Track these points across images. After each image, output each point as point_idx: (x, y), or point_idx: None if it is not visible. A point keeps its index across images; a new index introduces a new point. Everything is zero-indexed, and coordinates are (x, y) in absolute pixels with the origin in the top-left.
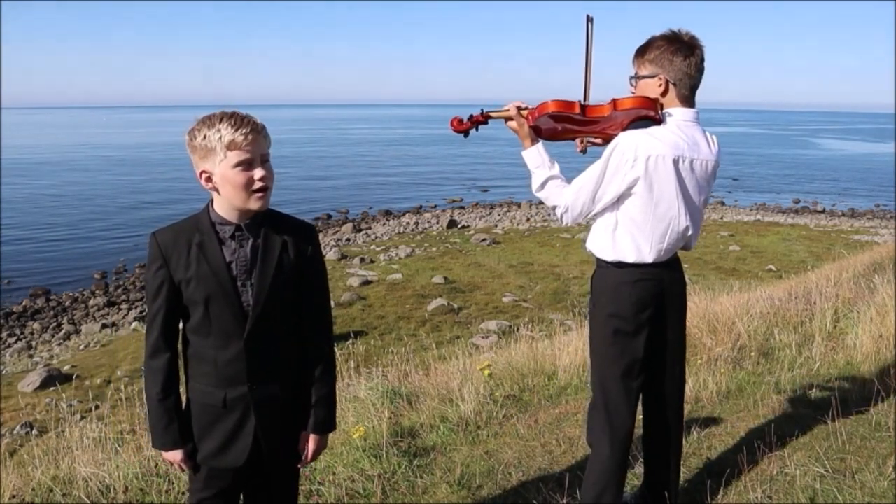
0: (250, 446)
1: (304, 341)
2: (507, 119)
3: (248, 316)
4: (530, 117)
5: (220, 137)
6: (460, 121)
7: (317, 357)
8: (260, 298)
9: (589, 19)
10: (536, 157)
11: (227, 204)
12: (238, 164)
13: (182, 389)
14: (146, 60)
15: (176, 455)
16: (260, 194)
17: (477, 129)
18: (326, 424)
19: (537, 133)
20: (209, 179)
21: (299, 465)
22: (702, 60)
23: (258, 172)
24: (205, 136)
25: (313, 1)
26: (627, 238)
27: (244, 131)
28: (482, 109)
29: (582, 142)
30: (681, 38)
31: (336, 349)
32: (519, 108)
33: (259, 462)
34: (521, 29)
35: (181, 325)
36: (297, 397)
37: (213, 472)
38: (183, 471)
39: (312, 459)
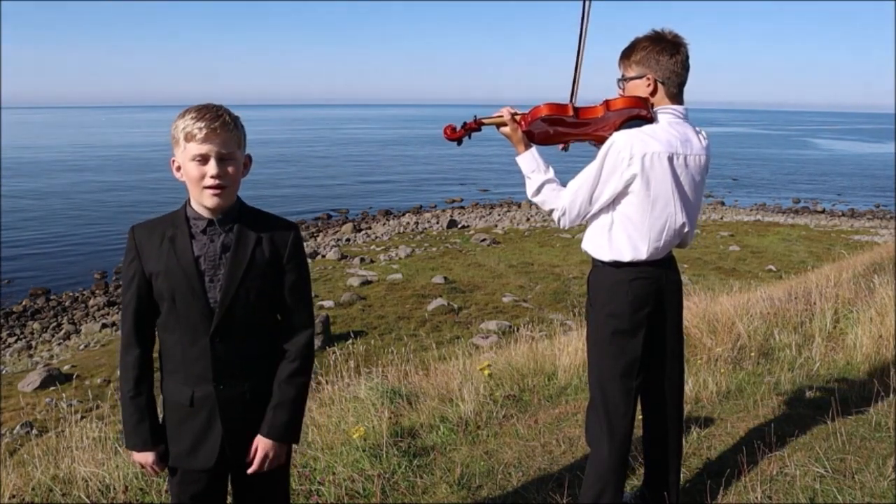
0: (219, 448)
1: (280, 343)
2: (500, 125)
3: (215, 313)
4: (523, 122)
5: (184, 128)
6: (453, 129)
7: (289, 359)
8: (227, 295)
9: None
10: (531, 162)
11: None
12: (194, 158)
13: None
14: (146, 60)
15: (146, 457)
16: (213, 192)
17: (470, 137)
18: (284, 432)
19: (530, 138)
20: (178, 169)
21: (248, 472)
22: (687, 58)
23: (211, 169)
24: (175, 126)
25: (314, 1)
26: (623, 236)
27: (200, 125)
28: (475, 116)
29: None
30: (665, 38)
31: (336, 349)
32: (512, 114)
33: (238, 463)
34: (521, 29)
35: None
36: (269, 400)
37: (186, 476)
38: (156, 474)
39: (260, 468)
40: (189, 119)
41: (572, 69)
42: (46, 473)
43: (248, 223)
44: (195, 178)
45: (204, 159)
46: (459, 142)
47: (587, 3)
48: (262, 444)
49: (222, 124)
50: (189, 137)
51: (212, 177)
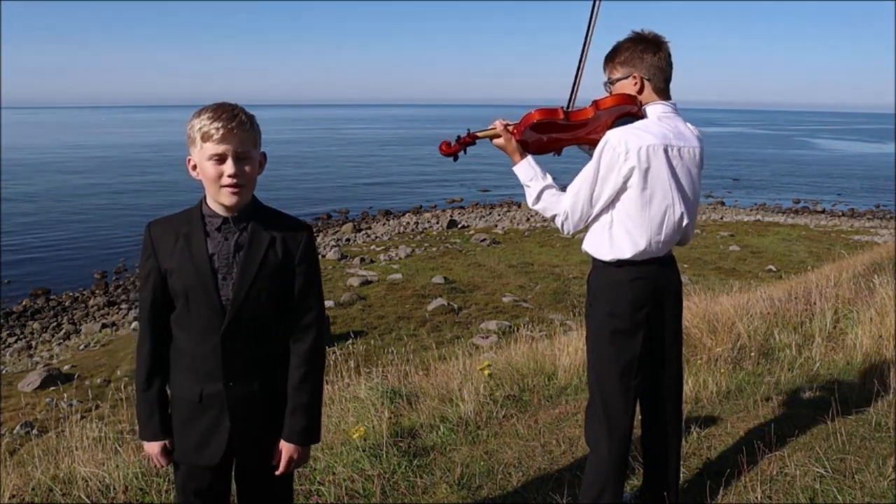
0: (226, 445)
1: (290, 343)
2: (494, 137)
3: (226, 311)
4: (516, 132)
5: (200, 127)
6: (448, 144)
7: (299, 361)
8: (239, 293)
9: None
10: (528, 170)
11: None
12: (210, 157)
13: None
14: (147, 60)
15: (153, 447)
16: (231, 190)
17: (465, 152)
18: (304, 436)
19: (525, 147)
20: (194, 168)
21: (277, 473)
22: (669, 54)
23: (228, 168)
24: (191, 126)
25: (315, 1)
26: (623, 234)
27: (217, 125)
28: (468, 130)
29: None
30: (646, 37)
31: (336, 349)
32: (505, 125)
33: (244, 462)
34: (521, 29)
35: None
36: (280, 400)
37: (191, 472)
38: (161, 466)
39: (286, 470)
40: (205, 119)
41: (573, 74)
42: (46, 473)
43: (263, 222)
44: (212, 177)
45: (221, 158)
46: (455, 157)
47: (596, 4)
48: (285, 449)
49: (239, 124)
50: (206, 137)
51: (229, 176)
